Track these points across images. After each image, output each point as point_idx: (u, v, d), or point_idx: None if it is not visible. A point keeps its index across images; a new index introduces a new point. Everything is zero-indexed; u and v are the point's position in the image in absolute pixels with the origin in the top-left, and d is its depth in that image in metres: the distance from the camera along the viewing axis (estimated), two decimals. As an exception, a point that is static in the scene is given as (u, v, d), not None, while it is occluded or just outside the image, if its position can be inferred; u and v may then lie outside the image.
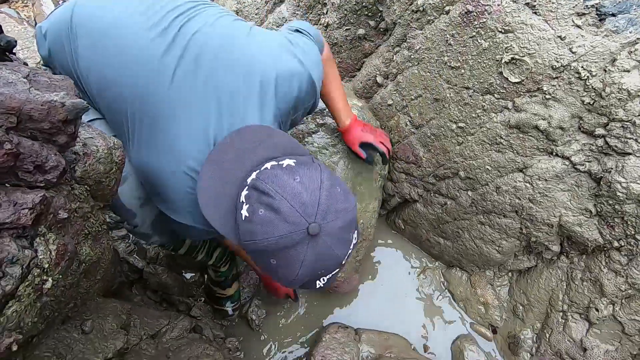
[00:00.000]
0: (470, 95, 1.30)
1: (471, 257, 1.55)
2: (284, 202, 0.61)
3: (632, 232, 1.10)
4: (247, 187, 0.68)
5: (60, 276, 0.59)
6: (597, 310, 1.22)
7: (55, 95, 0.57)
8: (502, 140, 1.26)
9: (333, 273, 0.68)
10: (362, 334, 1.50)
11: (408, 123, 1.57)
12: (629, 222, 1.09)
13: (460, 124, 1.36)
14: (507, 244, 1.41)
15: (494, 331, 1.54)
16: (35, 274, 0.52)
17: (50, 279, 0.55)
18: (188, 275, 1.74)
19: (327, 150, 1.47)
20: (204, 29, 0.82)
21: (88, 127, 0.77)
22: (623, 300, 1.17)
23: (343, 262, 0.68)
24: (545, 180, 1.21)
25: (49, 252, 0.55)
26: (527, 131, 1.19)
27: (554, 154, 1.18)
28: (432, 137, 1.47)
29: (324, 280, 0.68)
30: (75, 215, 0.67)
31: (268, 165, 0.68)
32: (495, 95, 1.23)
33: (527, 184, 1.25)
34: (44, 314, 0.60)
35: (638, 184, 1.03)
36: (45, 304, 0.58)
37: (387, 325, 1.60)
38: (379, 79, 1.69)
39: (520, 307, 1.47)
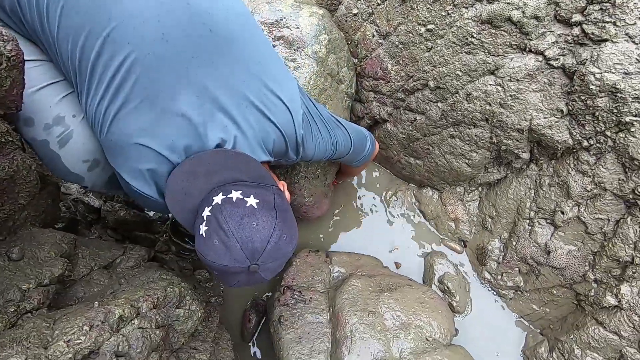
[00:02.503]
0: (439, -10, 1.16)
1: (442, 173, 1.51)
2: (237, 244, 0.69)
3: (602, 129, 1.05)
4: (211, 206, 0.73)
5: None
6: (562, 213, 1.22)
7: None
8: (473, 40, 1.15)
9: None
10: (334, 257, 1.48)
11: (375, 33, 1.43)
12: (599, 118, 1.04)
13: (430, 26, 1.23)
14: (477, 156, 1.37)
15: (464, 245, 1.56)
16: None
17: None
18: (151, 212, 1.66)
19: (286, 65, 1.33)
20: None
21: (-40, 11, 0.62)
22: (588, 201, 1.17)
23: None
24: (517, 80, 1.13)
25: None
26: (499, 25, 1.08)
27: (527, 49, 1.08)
28: (401, 45, 1.35)
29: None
30: (-52, 112, 0.54)
31: (234, 195, 0.73)
32: (467, -15, 1.09)
33: (499, 87, 1.17)
34: None
35: (612, 73, 0.96)
36: None
37: (359, 247, 1.60)
38: (343, -15, 1.51)
39: (489, 220, 1.47)
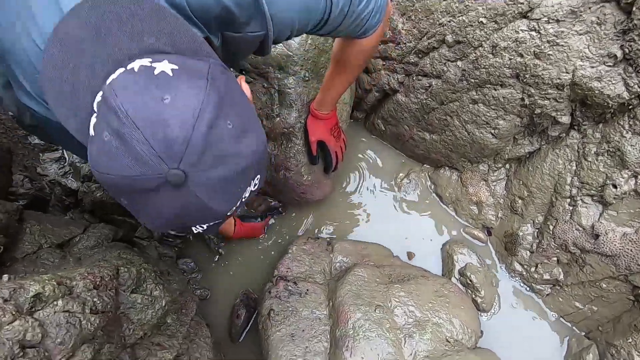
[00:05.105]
0: None
1: (462, 148, 1.30)
2: (136, 132, 0.41)
3: (671, 74, 0.83)
4: (105, 88, 0.45)
5: None
6: (614, 187, 0.99)
7: None
8: (500, -25, 0.95)
9: (214, 222, 0.51)
10: (336, 244, 1.29)
11: (383, -12, 1.25)
12: (667, 60, 0.82)
13: (447, -33, 1.04)
14: (505, 124, 1.16)
15: (489, 232, 1.34)
16: None
17: None
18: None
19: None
20: None
21: None
22: (649, 170, 0.94)
23: (228, 214, 0.50)
24: (557, 21, 0.92)
25: None
26: (534, -49, 0.88)
27: (570, -21, 0.88)
28: (412, -3, 1.16)
29: (202, 227, 0.51)
30: None
31: (136, 64, 0.44)
32: None
33: (533, 32, 0.96)
34: None
35: (689, -6, 0.75)
36: None
37: (366, 234, 1.40)
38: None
39: (519, 201, 1.25)
